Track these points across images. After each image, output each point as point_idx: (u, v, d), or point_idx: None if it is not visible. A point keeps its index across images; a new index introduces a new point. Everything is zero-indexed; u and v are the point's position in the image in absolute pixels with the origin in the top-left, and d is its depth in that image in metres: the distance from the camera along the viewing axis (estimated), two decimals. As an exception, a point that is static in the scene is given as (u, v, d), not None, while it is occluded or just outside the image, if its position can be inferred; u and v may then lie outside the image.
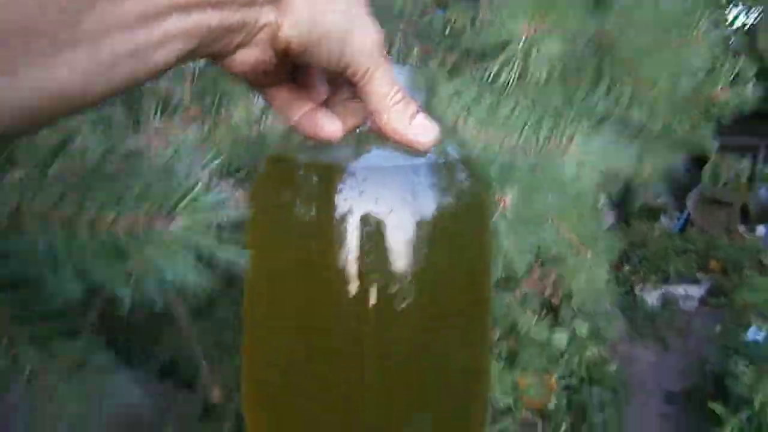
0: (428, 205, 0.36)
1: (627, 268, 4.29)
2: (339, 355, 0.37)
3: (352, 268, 0.35)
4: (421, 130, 0.36)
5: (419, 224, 0.36)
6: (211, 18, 0.29)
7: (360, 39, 0.32)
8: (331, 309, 0.37)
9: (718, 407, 2.45)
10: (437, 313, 0.38)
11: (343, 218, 0.35)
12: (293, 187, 0.37)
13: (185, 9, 0.28)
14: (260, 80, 0.35)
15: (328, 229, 0.36)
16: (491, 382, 0.43)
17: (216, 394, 0.96)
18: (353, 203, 0.35)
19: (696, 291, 4.36)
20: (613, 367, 2.96)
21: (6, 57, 0.24)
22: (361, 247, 0.35)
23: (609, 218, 3.84)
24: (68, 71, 0.25)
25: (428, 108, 0.39)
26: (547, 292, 1.68)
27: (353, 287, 0.35)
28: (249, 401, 0.42)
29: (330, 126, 0.36)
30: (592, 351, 1.96)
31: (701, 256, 4.58)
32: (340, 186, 0.36)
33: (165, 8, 0.27)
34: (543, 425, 3.08)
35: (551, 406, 2.73)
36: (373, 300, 0.36)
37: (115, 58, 0.27)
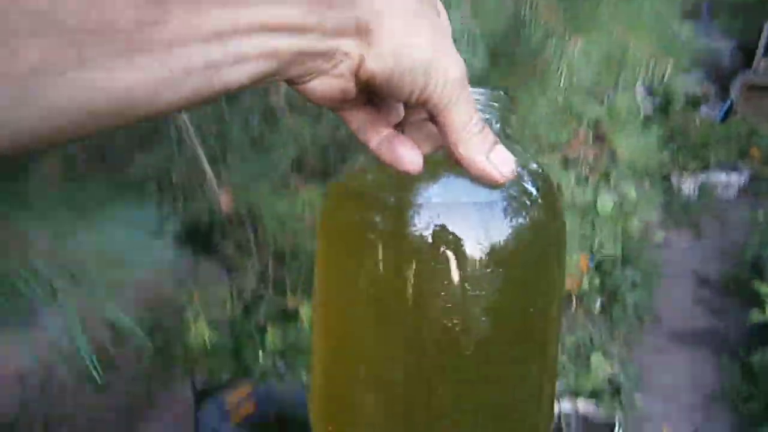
0: (502, 242, 0.36)
1: (665, 155, 4.12)
2: (410, 385, 0.38)
3: (420, 302, 0.36)
4: (499, 163, 0.35)
5: (491, 262, 0.36)
6: (293, 44, 0.29)
7: (443, 72, 0.32)
8: (400, 341, 0.38)
9: (763, 287, 2.38)
10: (505, 348, 0.39)
11: (415, 252, 0.36)
12: (364, 220, 0.38)
13: (267, 30, 0.27)
14: (338, 105, 0.35)
15: (400, 262, 0.36)
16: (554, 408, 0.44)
17: (225, 201, 0.90)
18: (425, 239, 0.35)
19: (736, 179, 4.21)
20: (648, 249, 2.89)
21: (78, 52, 0.23)
22: (430, 282, 0.36)
23: (648, 108, 3.64)
24: (137, 76, 0.25)
25: (503, 131, 0.39)
26: (591, 157, 1.58)
27: (420, 321, 0.37)
28: (318, 414, 0.43)
29: (410, 157, 0.35)
30: (633, 222, 1.87)
31: (743, 144, 4.38)
32: (412, 221, 0.36)
33: (245, 27, 0.27)
34: (575, 305, 3.08)
35: (584, 286, 2.69)
36: (440, 335, 0.36)
37: (187, 71, 0.26)
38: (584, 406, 2.31)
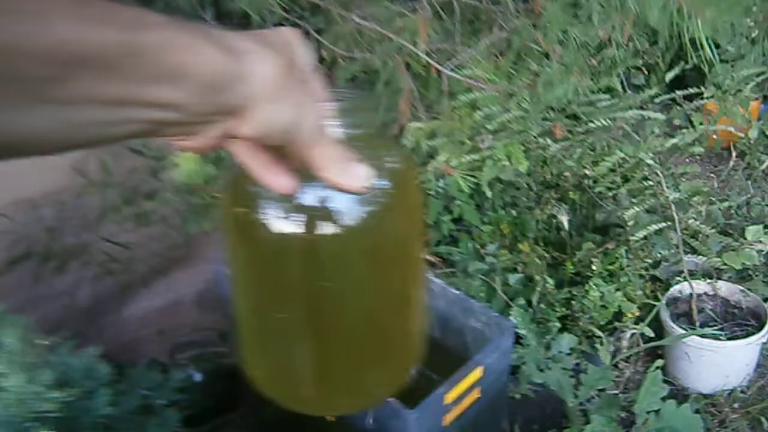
0: (354, 231, 0.46)
1: None
2: (303, 318, 0.50)
3: (296, 273, 0.48)
4: (358, 180, 0.43)
5: (347, 246, 0.47)
6: (174, 116, 0.34)
7: (305, 129, 0.40)
8: (290, 302, 0.49)
9: None
10: (362, 302, 0.50)
11: (289, 239, 0.45)
12: (249, 209, 0.46)
13: (156, 106, 0.33)
14: (208, 150, 0.41)
15: (282, 246, 0.46)
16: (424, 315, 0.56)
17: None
18: (297, 229, 0.45)
19: None
20: None
21: None
22: (302, 259, 0.47)
23: None
24: (37, 122, 0.29)
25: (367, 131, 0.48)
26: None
27: (300, 288, 0.49)
28: (244, 358, 0.54)
29: (283, 181, 0.43)
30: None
31: None
32: (288, 218, 0.45)
33: (138, 101, 0.32)
34: (733, 160, 2.47)
35: (751, 135, 2.08)
36: (316, 297, 0.49)
37: (82, 125, 0.31)
38: (728, 288, 1.83)
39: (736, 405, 1.71)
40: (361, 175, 0.43)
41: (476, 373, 1.07)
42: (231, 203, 0.48)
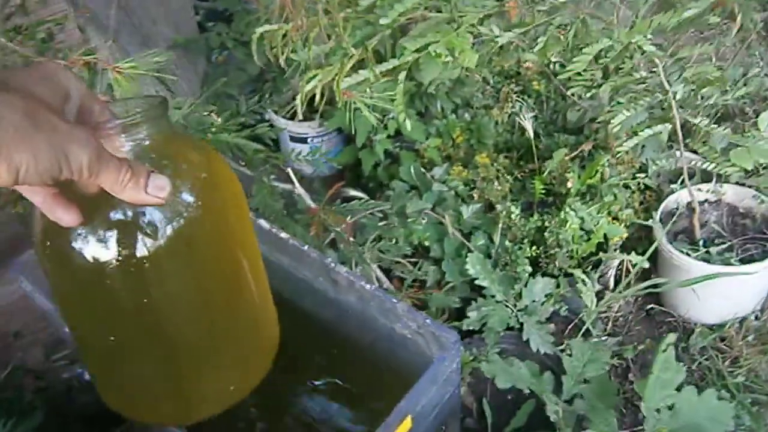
0: (168, 238, 0.46)
1: None
2: (140, 336, 0.49)
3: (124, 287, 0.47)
4: (157, 191, 0.43)
5: (164, 255, 0.46)
6: None
7: (73, 160, 0.39)
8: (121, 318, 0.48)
9: None
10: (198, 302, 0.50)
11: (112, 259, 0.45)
12: (61, 243, 0.47)
13: None
14: None
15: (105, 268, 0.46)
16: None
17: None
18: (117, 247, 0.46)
19: None
20: None
21: None
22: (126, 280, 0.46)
23: None
24: None
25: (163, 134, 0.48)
26: None
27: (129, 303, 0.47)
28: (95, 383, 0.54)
29: (67, 216, 0.44)
30: None
31: None
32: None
33: None
34: (725, 21, 2.01)
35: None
36: (145, 308, 0.47)
37: None
38: (735, 193, 1.45)
39: (750, 337, 1.38)
40: (157, 186, 0.44)
41: (403, 427, 0.68)
42: (43, 240, 0.47)
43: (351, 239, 0.97)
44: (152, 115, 0.47)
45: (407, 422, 0.69)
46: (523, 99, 1.73)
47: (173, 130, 0.50)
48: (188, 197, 0.47)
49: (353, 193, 1.29)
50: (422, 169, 1.52)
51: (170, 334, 0.49)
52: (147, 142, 0.46)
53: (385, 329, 0.82)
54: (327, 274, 0.84)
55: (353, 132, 1.58)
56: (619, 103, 1.15)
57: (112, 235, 0.45)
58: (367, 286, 0.79)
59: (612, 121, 1.09)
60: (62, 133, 0.38)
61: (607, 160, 1.40)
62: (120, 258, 0.44)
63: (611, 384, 0.97)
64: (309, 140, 1.79)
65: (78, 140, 0.39)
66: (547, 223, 1.34)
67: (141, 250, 0.45)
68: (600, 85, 1.10)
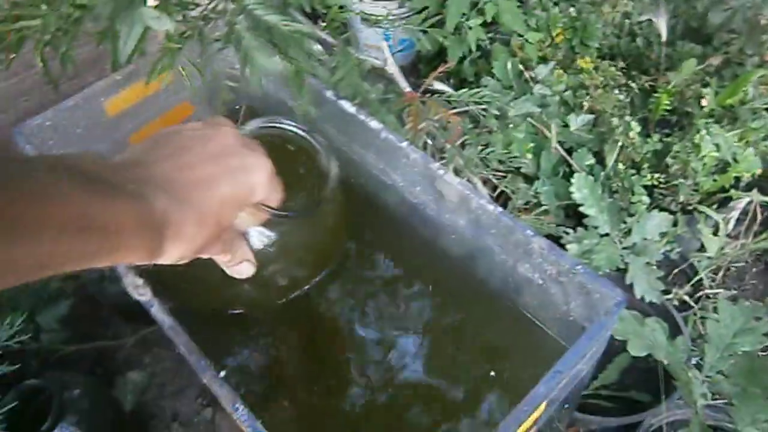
0: None
1: None
2: None
3: None
4: (244, 272, 0.50)
5: None
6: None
7: (207, 251, 0.44)
8: None
9: None
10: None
11: None
12: None
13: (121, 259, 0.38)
14: None
15: None
16: None
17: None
18: None
19: None
20: None
21: None
22: None
23: None
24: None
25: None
26: None
27: None
28: None
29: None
30: None
31: None
32: None
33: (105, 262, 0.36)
34: None
35: None
36: None
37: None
38: None
39: None
40: (237, 271, 0.49)
41: (536, 413, 0.46)
42: None
43: (456, 142, 0.73)
44: (304, 216, 0.51)
45: (541, 409, 0.47)
46: (646, -6, 1.40)
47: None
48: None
49: (439, 86, 1.03)
50: (521, 67, 1.23)
51: None
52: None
53: (503, 266, 0.59)
54: (431, 182, 0.60)
55: (438, 14, 1.29)
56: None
57: None
58: (489, 207, 0.55)
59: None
60: (226, 244, 0.48)
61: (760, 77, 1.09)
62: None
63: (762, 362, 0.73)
64: (383, 23, 1.50)
65: (214, 247, 0.46)
66: (675, 147, 1.07)
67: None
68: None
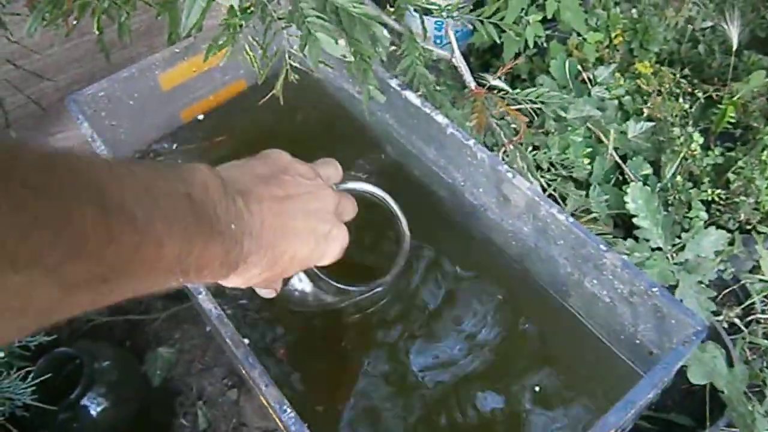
0: None
1: None
2: None
3: None
4: (265, 295, 0.47)
5: None
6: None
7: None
8: None
9: None
10: None
11: None
12: None
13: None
14: None
15: None
16: None
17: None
18: None
19: None
20: None
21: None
22: None
23: None
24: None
25: None
26: None
27: None
28: None
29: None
30: None
31: None
32: None
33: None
34: None
35: None
36: None
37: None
38: None
39: None
40: (265, 293, 0.48)
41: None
42: None
43: (520, 142, 0.69)
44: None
45: (608, 437, 0.43)
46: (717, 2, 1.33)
47: None
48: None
49: (495, 82, 0.98)
50: (579, 67, 1.18)
51: None
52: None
53: (568, 279, 0.55)
54: (496, 185, 0.56)
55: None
56: None
57: None
58: (560, 216, 0.52)
59: None
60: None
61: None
62: None
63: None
64: (437, 13, 1.45)
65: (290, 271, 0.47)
66: (739, 163, 1.01)
67: None
68: None
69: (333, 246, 0.44)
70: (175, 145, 0.78)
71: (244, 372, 0.48)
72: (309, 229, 0.43)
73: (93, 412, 1.05)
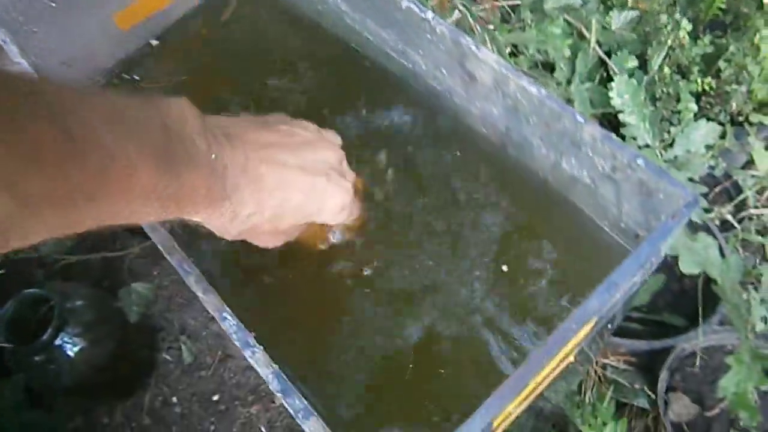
0: None
1: None
2: None
3: None
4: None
5: None
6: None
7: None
8: None
9: None
10: None
11: None
12: None
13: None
14: None
15: None
16: None
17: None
18: None
19: None
20: None
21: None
22: None
23: None
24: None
25: None
26: None
27: None
28: None
29: None
30: None
31: None
32: None
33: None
34: None
35: None
36: None
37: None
38: None
39: None
40: None
41: (584, 330, 0.38)
42: None
43: (489, 25, 0.61)
44: None
45: (590, 324, 0.38)
46: None
47: None
48: None
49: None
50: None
51: None
52: None
53: (544, 161, 0.49)
54: (460, 62, 0.49)
55: None
56: None
57: None
58: (531, 89, 0.45)
59: None
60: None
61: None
62: None
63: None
64: None
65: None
66: (729, 49, 0.93)
67: None
68: None
69: (330, 202, 0.43)
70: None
71: (186, 283, 0.42)
72: (303, 177, 0.41)
73: (70, 353, 1.01)
